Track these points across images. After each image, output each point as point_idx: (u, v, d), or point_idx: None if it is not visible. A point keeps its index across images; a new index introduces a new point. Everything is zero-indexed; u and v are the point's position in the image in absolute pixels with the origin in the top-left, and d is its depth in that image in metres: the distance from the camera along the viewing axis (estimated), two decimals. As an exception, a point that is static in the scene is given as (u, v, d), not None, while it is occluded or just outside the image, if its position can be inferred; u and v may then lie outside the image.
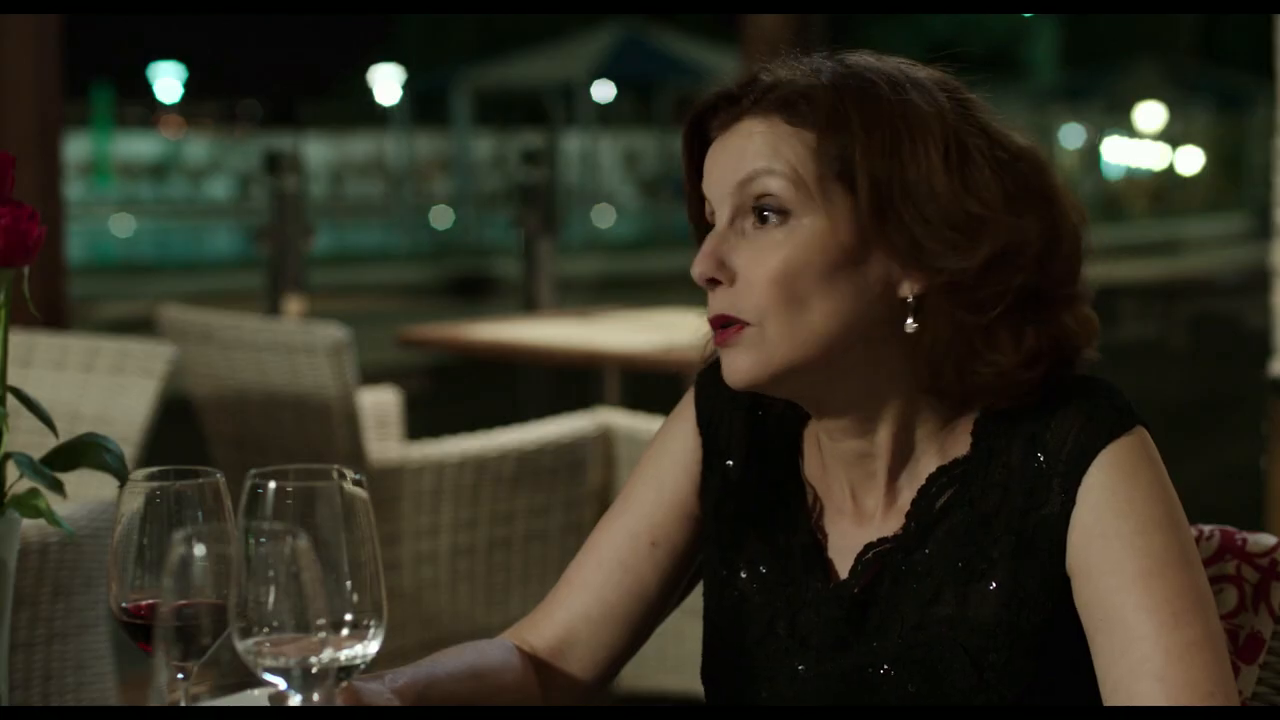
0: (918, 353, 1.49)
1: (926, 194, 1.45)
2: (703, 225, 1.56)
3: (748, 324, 1.48)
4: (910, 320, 1.48)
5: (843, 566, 1.55)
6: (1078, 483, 1.47)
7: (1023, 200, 1.48)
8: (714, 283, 1.49)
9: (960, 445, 1.52)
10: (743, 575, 1.59)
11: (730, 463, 1.63)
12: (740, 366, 1.49)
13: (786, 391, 1.53)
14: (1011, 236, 1.46)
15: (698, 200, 1.57)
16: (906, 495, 1.53)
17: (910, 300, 1.48)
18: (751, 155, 1.49)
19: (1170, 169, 33.41)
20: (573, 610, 1.65)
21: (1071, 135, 33.78)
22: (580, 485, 3.93)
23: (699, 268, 1.50)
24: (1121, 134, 33.62)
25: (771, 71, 1.52)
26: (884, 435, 1.52)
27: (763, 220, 1.49)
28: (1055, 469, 1.48)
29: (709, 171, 1.53)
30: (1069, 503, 1.47)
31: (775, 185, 1.48)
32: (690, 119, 1.56)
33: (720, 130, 1.53)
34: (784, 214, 1.47)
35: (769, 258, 1.47)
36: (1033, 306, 1.48)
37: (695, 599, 1.68)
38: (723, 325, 1.50)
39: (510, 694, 1.58)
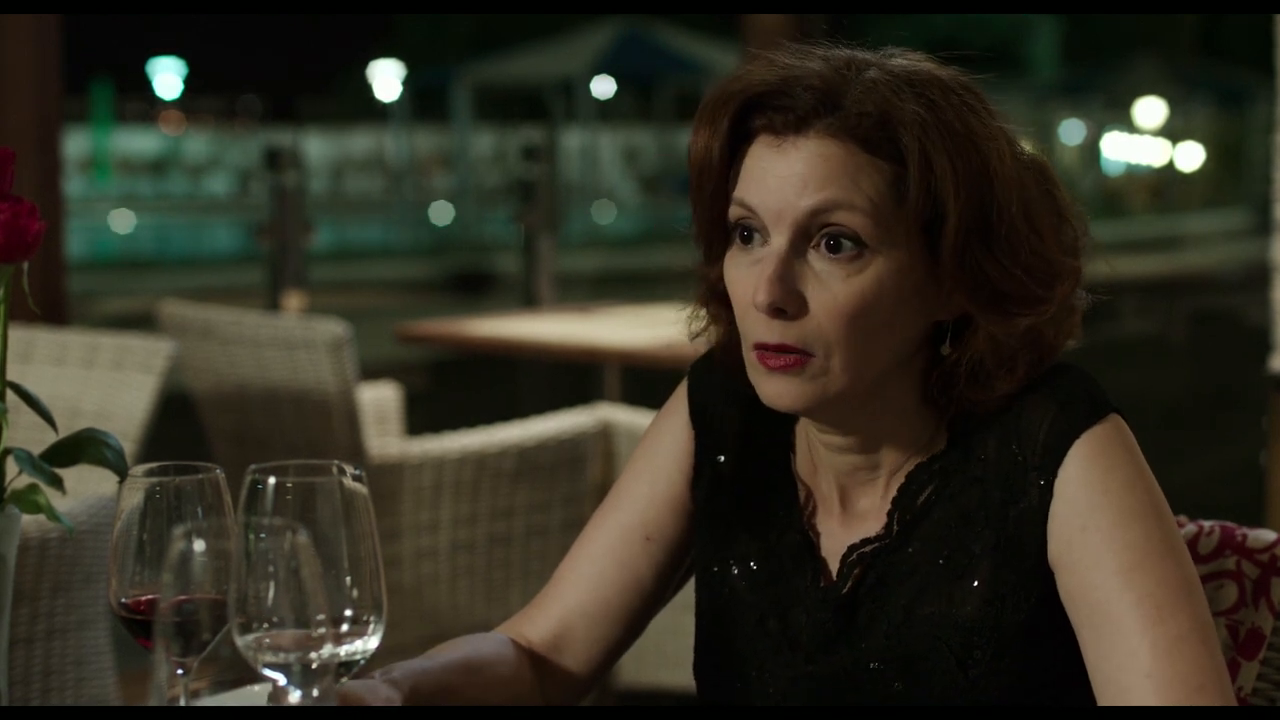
0: (937, 371, 1.48)
1: (1007, 239, 1.43)
2: (719, 222, 1.49)
3: (812, 356, 1.44)
4: (946, 344, 1.48)
5: (832, 566, 1.54)
6: (1054, 475, 1.45)
7: (1065, 233, 1.48)
8: (779, 311, 1.43)
9: (938, 441, 1.51)
10: (734, 571, 1.59)
11: (722, 458, 1.62)
12: (793, 393, 1.45)
13: (820, 416, 1.50)
14: (1075, 276, 1.47)
15: (723, 199, 1.48)
16: (889, 494, 1.53)
17: (948, 323, 1.47)
18: (822, 181, 1.42)
19: (1170, 165, 33.39)
20: (568, 605, 1.65)
21: (1072, 131, 33.77)
22: (580, 481, 3.93)
23: (768, 296, 1.42)
24: (1122, 130, 33.61)
25: (817, 74, 1.43)
26: (886, 450, 1.51)
27: (833, 249, 1.43)
28: (1031, 462, 1.46)
29: (758, 179, 1.45)
30: (1046, 496, 1.45)
31: (854, 220, 1.41)
32: (735, 111, 1.45)
33: (772, 135, 1.45)
34: (859, 245, 1.42)
35: (842, 291, 1.42)
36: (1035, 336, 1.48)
37: (692, 594, 1.68)
38: (779, 351, 1.45)
39: (504, 687, 1.58)
